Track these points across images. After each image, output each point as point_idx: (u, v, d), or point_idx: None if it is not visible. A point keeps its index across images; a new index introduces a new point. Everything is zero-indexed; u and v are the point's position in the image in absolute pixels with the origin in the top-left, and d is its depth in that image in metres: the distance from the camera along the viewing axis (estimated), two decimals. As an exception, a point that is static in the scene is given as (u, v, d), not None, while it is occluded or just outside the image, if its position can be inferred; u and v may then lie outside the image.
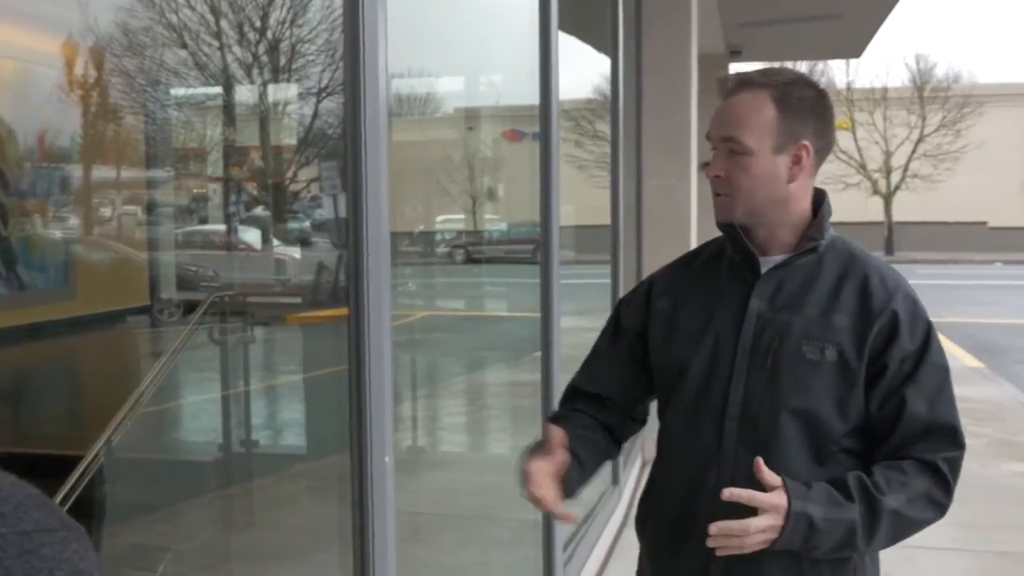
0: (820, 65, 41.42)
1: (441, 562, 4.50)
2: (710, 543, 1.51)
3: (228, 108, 10.60)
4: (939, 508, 1.64)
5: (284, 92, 10.44)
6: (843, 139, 33.61)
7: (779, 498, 1.52)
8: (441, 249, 11.54)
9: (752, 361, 1.67)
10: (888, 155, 34.34)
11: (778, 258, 1.72)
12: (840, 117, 34.30)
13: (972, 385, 9.55)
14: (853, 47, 12.37)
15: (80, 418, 5.09)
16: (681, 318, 1.77)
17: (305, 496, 4.68)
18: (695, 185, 6.37)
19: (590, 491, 5.25)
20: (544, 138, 3.43)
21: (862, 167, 34.10)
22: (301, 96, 9.92)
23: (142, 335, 7.97)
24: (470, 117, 9.71)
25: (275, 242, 10.59)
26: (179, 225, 10.72)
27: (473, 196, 9.28)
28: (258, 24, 10.25)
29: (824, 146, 1.72)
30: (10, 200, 7.63)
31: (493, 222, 9.82)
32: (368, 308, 1.87)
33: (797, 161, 1.68)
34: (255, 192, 11.34)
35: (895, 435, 1.65)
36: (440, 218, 12.33)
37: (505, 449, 5.52)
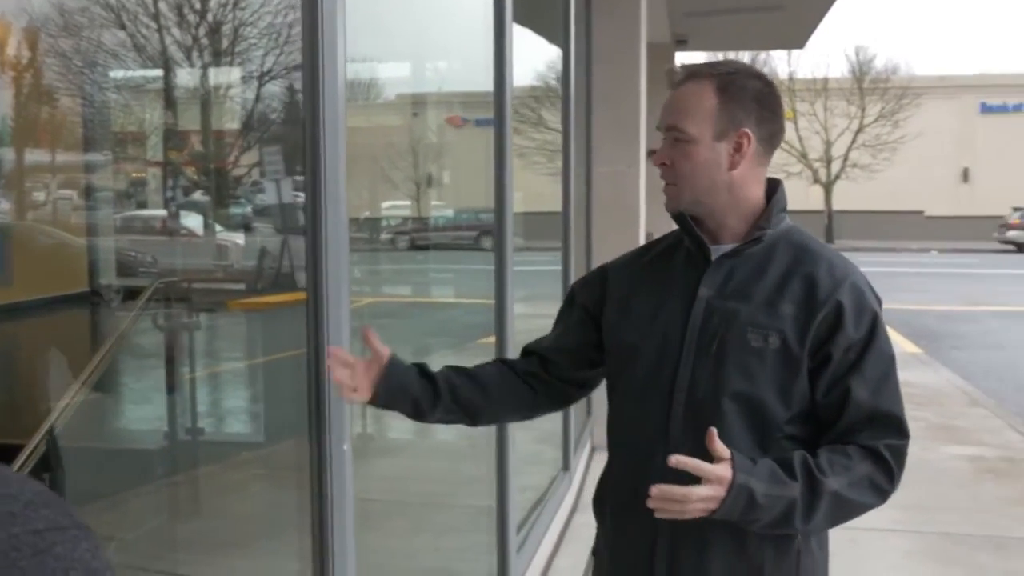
0: (763, 56, 41.94)
1: (393, 548, 4.48)
2: (650, 503, 1.53)
3: (168, 91, 10.41)
4: (881, 493, 1.67)
5: (226, 76, 10.28)
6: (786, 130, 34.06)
7: (724, 470, 1.54)
8: (386, 236, 11.47)
9: (699, 347, 1.71)
10: (828, 145, 34.85)
11: (728, 247, 1.76)
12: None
13: (910, 370, 9.75)
14: (796, 38, 12.50)
15: (20, 407, 4.98)
16: (634, 304, 1.82)
17: (254, 484, 4.63)
18: (644, 172, 6.40)
19: (540, 477, 5.28)
20: (498, 126, 3.41)
21: (803, 156, 34.57)
22: (243, 80, 9.76)
23: (81, 322, 7.82)
24: (415, 103, 9.65)
25: (217, 228, 10.44)
26: (118, 210, 10.52)
27: (417, 182, 9.22)
28: (198, 6, 10.08)
29: (769, 135, 1.75)
30: (-57, 183, 7.42)
31: (438, 209, 9.79)
32: (327, 293, 1.85)
33: (738, 148, 1.71)
34: (195, 177, 11.17)
35: (840, 423, 1.68)
36: (386, 204, 12.25)
37: (454, 436, 5.51)
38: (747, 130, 1.71)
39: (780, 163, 33.93)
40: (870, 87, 35.17)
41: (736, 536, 1.68)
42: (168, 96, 10.45)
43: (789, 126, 33.48)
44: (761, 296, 1.70)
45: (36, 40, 9.36)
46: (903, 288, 19.12)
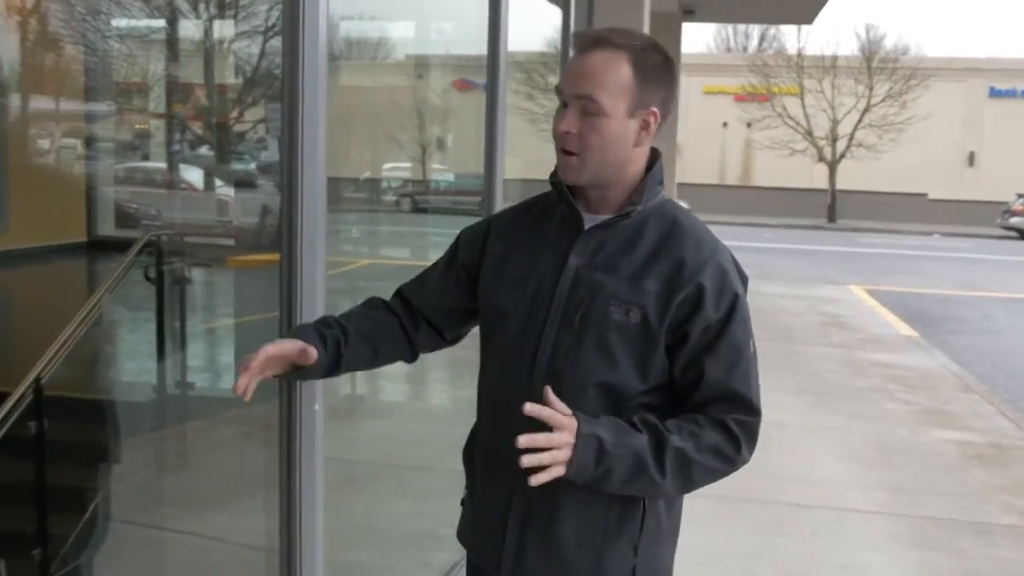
0: (772, 30, 41.68)
1: (377, 510, 4.49)
2: (523, 460, 1.54)
3: (172, 43, 10.34)
4: (728, 461, 1.68)
5: (231, 29, 10.20)
6: (791, 105, 33.84)
7: (569, 420, 1.57)
8: (388, 198, 11.43)
9: (564, 315, 1.72)
10: (835, 123, 34.63)
11: (601, 218, 1.75)
12: (789, 83, 34.71)
13: (904, 353, 9.75)
14: (805, 13, 12.39)
15: (9, 354, 4.96)
16: (509, 264, 1.82)
17: (241, 441, 4.63)
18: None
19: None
20: (491, 88, 3.38)
21: (809, 134, 34.38)
22: (248, 34, 9.68)
23: (77, 271, 7.82)
24: (421, 65, 9.58)
25: (218, 183, 10.41)
26: (120, 161, 10.49)
27: (422, 145, 9.17)
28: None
29: (667, 114, 1.74)
30: (-60, 127, 7.38)
31: (441, 172, 9.74)
32: (301, 253, 1.83)
33: (646, 127, 1.70)
34: (199, 131, 11.12)
35: (693, 398, 1.71)
36: (387, 166, 12.20)
37: (444, 400, 5.51)
38: (655, 109, 1.70)
39: (785, 139, 33.81)
40: (879, 66, 34.88)
41: (585, 499, 1.70)
42: (173, 48, 10.38)
43: (796, 102, 33.09)
44: (627, 270, 1.70)
45: (41, -15, 9.26)
46: (903, 271, 19.09)
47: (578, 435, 1.55)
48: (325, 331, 1.80)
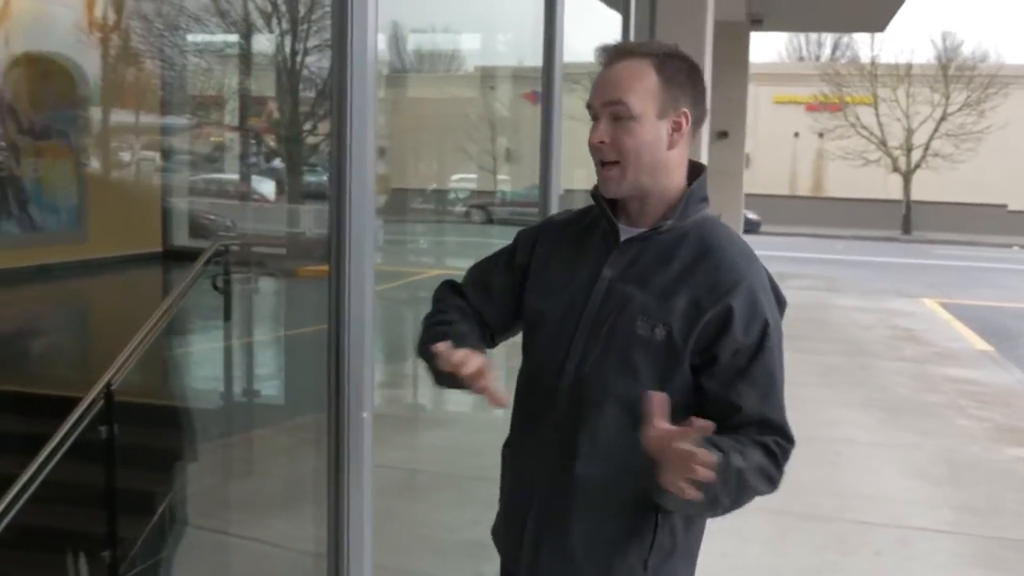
0: (845, 38, 41.03)
1: (437, 520, 4.52)
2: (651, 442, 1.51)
3: (247, 57, 10.57)
4: (772, 482, 1.67)
5: (303, 42, 10.39)
6: (865, 115, 33.27)
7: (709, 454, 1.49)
8: (458, 208, 11.54)
9: (593, 326, 1.73)
10: (910, 132, 33.94)
11: (637, 231, 1.76)
12: (863, 92, 34.15)
13: (979, 368, 9.51)
14: (876, 21, 12.20)
15: (84, 360, 5.11)
16: (551, 270, 1.84)
17: (303, 448, 4.70)
18: (706, 153, 6.32)
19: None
20: (546, 99, 3.39)
21: (883, 144, 33.76)
22: (319, 48, 9.86)
23: (152, 280, 8.01)
24: (492, 77, 9.66)
25: (292, 194, 10.60)
26: (195, 173, 10.73)
27: (493, 156, 9.23)
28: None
29: (698, 117, 1.75)
30: (23, 140, 7.64)
31: (511, 183, 9.80)
32: (349, 264, 1.86)
33: (677, 128, 1.71)
34: (272, 144, 11.34)
35: (734, 420, 1.66)
36: (455, 177, 12.31)
37: (503, 410, 5.53)
38: (685, 110, 1.71)
39: (858, 150, 33.22)
40: (956, 74, 34.09)
41: (596, 507, 1.72)
42: (247, 62, 10.61)
43: (869, 112, 32.45)
44: (658, 286, 1.69)
45: (121, 3, 9.55)
46: (981, 284, 18.63)
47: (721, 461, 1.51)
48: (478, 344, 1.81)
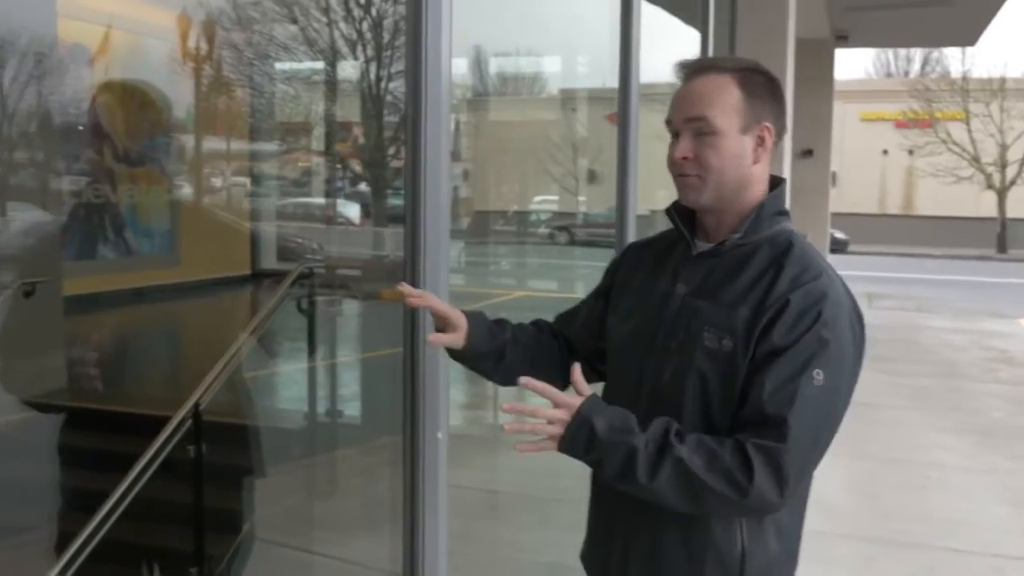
0: (935, 53, 40.11)
1: (517, 541, 4.53)
2: (505, 425, 1.58)
3: (333, 84, 10.78)
4: (736, 488, 1.56)
5: (387, 68, 10.56)
6: (956, 130, 32.46)
7: (575, 399, 1.59)
8: (542, 230, 11.57)
9: (666, 342, 1.72)
10: (1004, 148, 32.99)
11: (708, 245, 1.75)
12: (954, 107, 33.31)
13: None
14: (967, 35, 11.93)
15: (174, 381, 5.24)
16: (631, 292, 1.85)
17: (386, 468, 4.76)
18: (788, 171, 6.24)
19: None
20: (623, 120, 3.40)
21: (975, 160, 32.86)
22: (402, 74, 10.00)
23: (240, 303, 8.19)
24: (573, 99, 9.68)
25: (377, 218, 10.75)
26: (282, 197, 10.96)
27: (576, 178, 9.25)
28: (363, 1, 10.38)
29: (780, 130, 1.75)
30: (119, 167, 7.91)
31: (595, 204, 9.79)
32: (424, 286, 1.88)
33: (761, 142, 1.71)
34: (358, 168, 11.54)
35: (737, 418, 1.63)
36: (537, 198, 12.35)
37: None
38: (768, 124, 1.71)
39: (950, 166, 32.37)
40: (1053, 88, 33.11)
41: (682, 525, 1.69)
42: (332, 88, 10.83)
43: (961, 127, 31.62)
44: (727, 298, 1.68)
45: (213, 33, 9.85)
46: (1082, 304, 17.96)
47: (575, 415, 1.57)
48: (497, 330, 1.88)
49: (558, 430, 1.57)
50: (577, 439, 1.57)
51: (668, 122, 1.74)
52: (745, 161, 1.69)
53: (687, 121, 1.70)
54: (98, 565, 3.30)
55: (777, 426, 1.57)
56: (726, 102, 1.68)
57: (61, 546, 3.31)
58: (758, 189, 1.73)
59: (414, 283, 1.90)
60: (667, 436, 1.59)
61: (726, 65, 1.73)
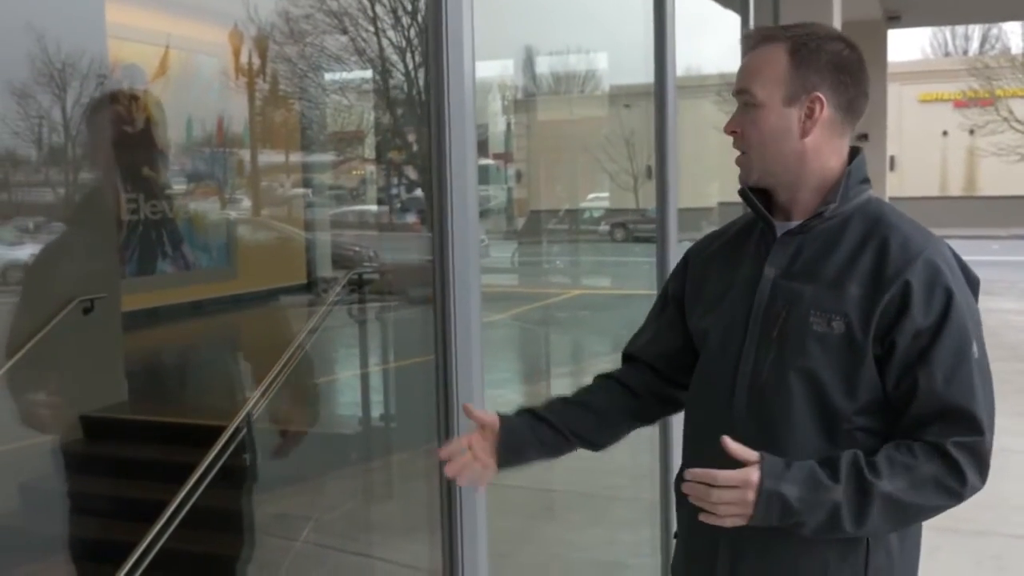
0: (995, 30, 39.17)
1: (570, 539, 4.53)
2: (684, 488, 1.51)
3: (384, 92, 10.87)
4: (950, 494, 1.52)
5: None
6: (1018, 108, 31.67)
7: (749, 474, 1.48)
8: (601, 227, 11.51)
9: (763, 330, 1.63)
10: (1069, 123, 32.16)
11: (795, 223, 1.67)
12: (1015, 85, 32.46)
13: None
14: (1024, 6, 11.63)
15: (228, 391, 5.32)
16: (708, 285, 1.77)
17: (437, 472, 4.80)
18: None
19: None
20: (660, 115, 3.37)
21: (1037, 138, 32.07)
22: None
23: (296, 312, 8.29)
24: (625, 95, 9.63)
25: (432, 223, 10.79)
26: (338, 206, 11.08)
27: (634, 175, 9.20)
28: (410, 7, 10.45)
29: (847, 103, 1.64)
30: (175, 183, 8.05)
31: (653, 201, 9.72)
32: (454, 292, 1.87)
33: (810, 114, 1.62)
34: (412, 175, 11.61)
35: (908, 415, 1.55)
36: (590, 196, 12.30)
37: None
38: (820, 95, 1.61)
39: (1012, 145, 31.58)
40: (1119, 59, 32.16)
41: (798, 538, 1.58)
42: (385, 96, 10.91)
43: (1022, 104, 30.59)
44: (828, 276, 1.59)
45: (265, 48, 9.98)
46: None
47: (759, 491, 1.48)
48: (536, 423, 1.80)
49: (746, 511, 1.49)
50: (770, 515, 1.49)
51: (733, 94, 1.70)
52: (791, 135, 1.62)
53: (737, 94, 1.67)
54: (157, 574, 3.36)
55: (967, 418, 1.53)
56: (771, 73, 1.62)
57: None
58: (829, 160, 1.65)
59: (443, 285, 1.90)
60: (862, 474, 1.50)
61: (782, 33, 1.66)
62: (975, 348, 1.55)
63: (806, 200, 1.66)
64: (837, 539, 1.59)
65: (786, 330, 1.60)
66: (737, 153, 1.70)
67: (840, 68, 1.64)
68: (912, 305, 1.53)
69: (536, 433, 1.78)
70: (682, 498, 1.78)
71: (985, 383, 1.56)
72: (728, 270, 1.74)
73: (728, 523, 1.51)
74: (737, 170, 1.71)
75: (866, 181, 1.69)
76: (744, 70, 1.67)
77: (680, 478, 1.79)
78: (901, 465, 1.51)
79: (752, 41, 1.69)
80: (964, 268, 1.63)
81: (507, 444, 1.75)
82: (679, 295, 1.85)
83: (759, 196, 1.70)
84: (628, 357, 1.93)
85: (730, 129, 1.67)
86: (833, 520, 1.51)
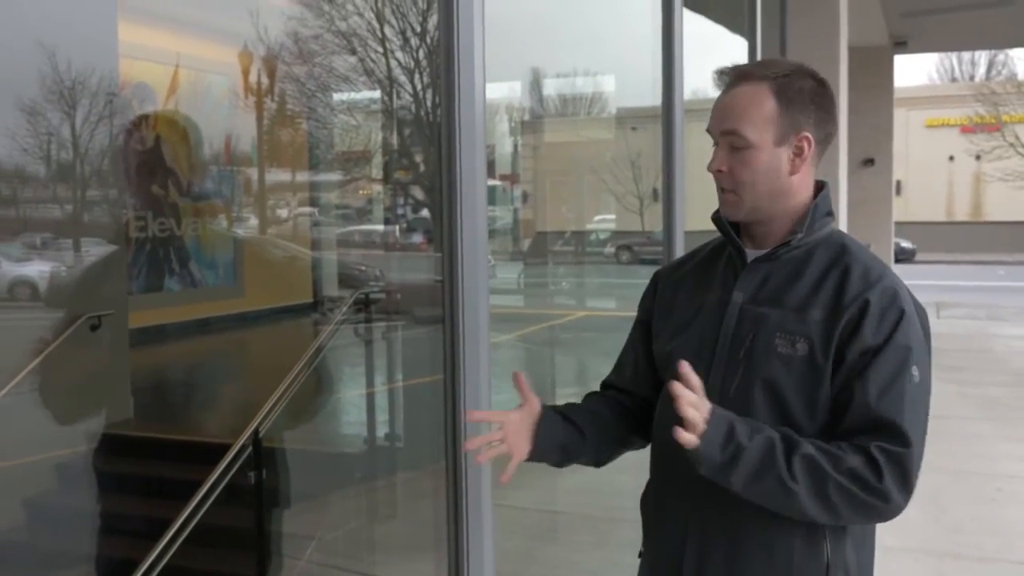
0: (1001, 55, 39.29)
1: (575, 562, 4.52)
2: (671, 384, 1.54)
3: (391, 112, 10.92)
4: (868, 488, 1.54)
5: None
6: (1024, 134, 31.75)
7: (705, 401, 1.55)
8: (607, 249, 11.53)
9: (730, 353, 1.67)
10: (1073, 153, 32.17)
11: (763, 252, 1.71)
12: (1022, 110, 32.51)
13: None
14: (1029, 33, 11.66)
15: (235, 409, 5.33)
16: (676, 309, 1.80)
17: (443, 491, 4.78)
18: (844, 184, 6.16)
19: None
20: (667, 138, 3.39)
21: (1043, 165, 32.07)
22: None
23: (302, 330, 8.31)
24: (632, 118, 9.66)
25: (439, 243, 10.81)
26: (345, 225, 11.11)
27: (640, 197, 9.22)
28: (418, 29, 10.51)
29: (825, 136, 1.70)
30: (183, 201, 8.09)
31: (659, 223, 9.72)
32: (463, 311, 1.89)
33: (799, 153, 1.67)
34: (419, 195, 11.65)
35: (841, 426, 1.59)
36: (597, 218, 12.33)
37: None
38: (807, 133, 1.66)
39: (1019, 171, 31.61)
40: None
41: (761, 547, 1.64)
42: (392, 116, 10.96)
43: (1028, 132, 30.18)
44: (793, 302, 1.65)
45: (274, 67, 10.04)
46: None
47: (711, 413, 1.54)
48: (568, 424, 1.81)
49: (702, 415, 1.53)
50: (716, 433, 1.53)
51: (709, 131, 1.73)
52: (780, 174, 1.67)
53: (722, 134, 1.68)
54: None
55: (892, 430, 1.56)
56: (760, 114, 1.64)
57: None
58: (803, 194, 1.71)
59: (452, 305, 1.91)
60: (791, 435, 1.57)
61: (763, 72, 1.68)
62: (915, 371, 1.59)
63: (777, 230, 1.71)
64: (799, 555, 1.64)
65: (752, 352, 1.65)
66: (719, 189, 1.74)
67: (820, 106, 1.69)
68: (865, 325, 1.59)
69: (564, 435, 1.81)
70: (647, 516, 1.85)
71: (917, 406, 1.59)
72: (697, 294, 1.78)
73: (684, 437, 1.53)
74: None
75: (830, 214, 1.75)
76: (727, 110, 1.68)
77: (645, 500, 1.86)
78: (825, 449, 1.56)
79: (730, 79, 1.71)
80: (914, 300, 1.68)
81: (544, 435, 1.77)
82: (647, 320, 1.89)
83: (722, 223, 1.75)
84: (611, 386, 1.96)
85: (717, 168, 1.69)
86: (769, 460, 1.54)
